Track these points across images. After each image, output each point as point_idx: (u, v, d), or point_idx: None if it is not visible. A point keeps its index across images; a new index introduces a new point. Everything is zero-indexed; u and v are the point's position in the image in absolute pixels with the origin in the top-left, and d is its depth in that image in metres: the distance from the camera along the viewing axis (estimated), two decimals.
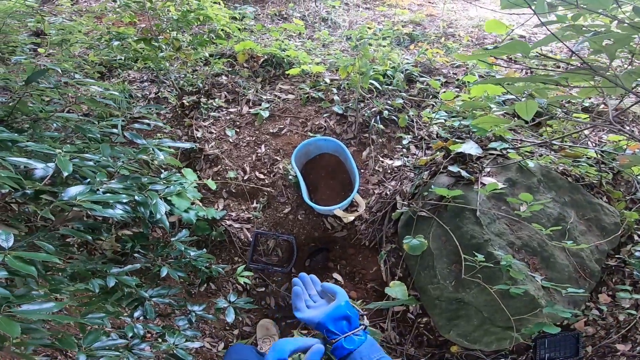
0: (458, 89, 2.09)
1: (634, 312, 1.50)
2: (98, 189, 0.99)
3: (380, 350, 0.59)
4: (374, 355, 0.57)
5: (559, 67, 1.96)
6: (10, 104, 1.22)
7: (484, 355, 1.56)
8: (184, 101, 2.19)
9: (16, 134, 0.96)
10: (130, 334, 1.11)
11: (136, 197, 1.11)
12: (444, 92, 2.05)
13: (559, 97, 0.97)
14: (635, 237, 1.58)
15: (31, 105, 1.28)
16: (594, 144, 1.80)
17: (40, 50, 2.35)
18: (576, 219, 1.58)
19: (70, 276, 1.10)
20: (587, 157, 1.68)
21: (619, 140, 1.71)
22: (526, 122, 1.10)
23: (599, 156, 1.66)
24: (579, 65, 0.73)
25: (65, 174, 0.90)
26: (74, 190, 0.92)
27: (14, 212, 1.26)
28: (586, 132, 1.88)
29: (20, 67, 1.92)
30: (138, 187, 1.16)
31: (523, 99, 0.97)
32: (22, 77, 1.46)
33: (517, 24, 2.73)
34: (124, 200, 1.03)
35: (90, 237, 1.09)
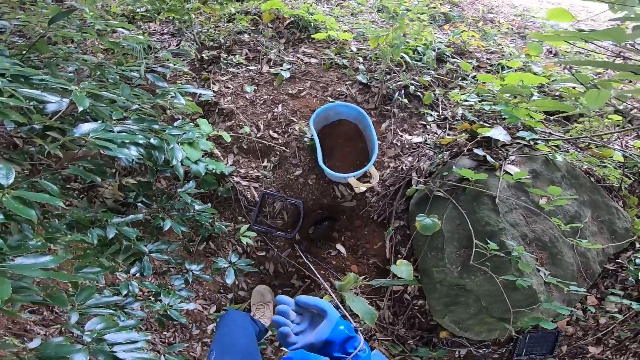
0: (490, 74, 2.05)
1: (619, 315, 1.55)
2: (113, 129, 0.95)
3: None
4: None
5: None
6: (26, 44, 1.20)
7: (469, 343, 1.62)
8: (204, 55, 2.17)
9: (30, 69, 0.91)
10: (125, 292, 1.08)
11: (152, 140, 1.08)
12: (474, 75, 2.02)
13: (628, 91, 0.93)
14: (637, 245, 1.62)
15: (51, 47, 1.25)
16: (622, 148, 1.79)
17: None
18: (590, 219, 1.59)
19: (68, 225, 1.07)
20: (613, 160, 1.68)
21: None
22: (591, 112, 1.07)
23: (624, 160, 1.66)
24: None
25: (81, 108, 0.86)
26: (87, 126, 0.88)
27: (18, 149, 1.24)
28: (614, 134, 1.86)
29: (41, 15, 1.89)
30: (153, 132, 1.13)
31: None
32: (42, 23, 1.42)
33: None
34: (140, 142, 0.99)
35: (99, 179, 1.04)
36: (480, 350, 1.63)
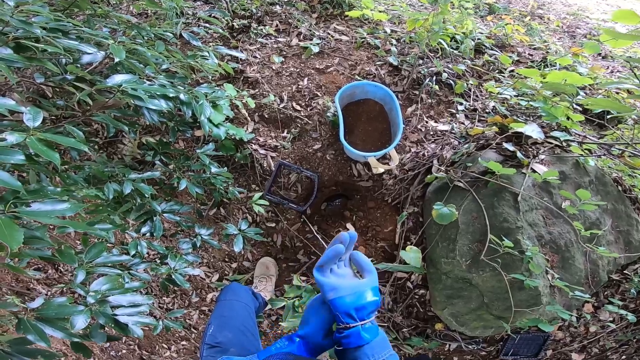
0: (532, 69, 2.07)
1: (611, 324, 1.59)
2: (145, 82, 1.01)
3: (389, 346, 0.58)
4: (385, 352, 0.56)
5: None
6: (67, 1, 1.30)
7: (461, 338, 1.70)
8: (235, 24, 2.28)
9: (69, 22, 0.95)
10: (133, 252, 1.12)
11: (181, 96, 1.14)
12: (512, 69, 2.04)
13: None
14: None
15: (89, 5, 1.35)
16: None
17: None
18: (609, 228, 1.61)
19: (85, 179, 1.11)
20: None
21: None
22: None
23: None
24: None
25: (117, 59, 0.91)
26: (120, 77, 0.93)
27: (47, 99, 1.34)
28: None
29: None
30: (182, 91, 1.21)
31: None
32: None
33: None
34: (171, 95, 1.05)
35: (126, 128, 1.12)
36: (470, 346, 1.70)
